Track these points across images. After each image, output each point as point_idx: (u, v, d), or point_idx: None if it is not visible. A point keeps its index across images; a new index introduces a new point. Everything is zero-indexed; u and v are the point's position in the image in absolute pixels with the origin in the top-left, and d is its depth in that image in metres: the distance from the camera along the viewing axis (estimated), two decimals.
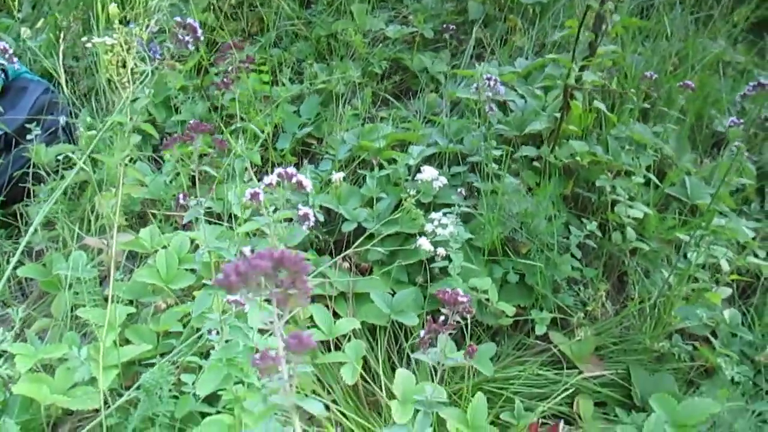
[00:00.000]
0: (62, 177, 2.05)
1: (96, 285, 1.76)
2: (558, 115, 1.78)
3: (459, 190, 1.63)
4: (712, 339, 1.82)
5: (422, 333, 0.93)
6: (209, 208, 1.94)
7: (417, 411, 1.07)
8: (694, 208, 2.04)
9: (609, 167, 1.88)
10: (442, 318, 0.95)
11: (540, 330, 1.76)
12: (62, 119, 2.27)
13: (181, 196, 1.06)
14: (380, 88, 2.45)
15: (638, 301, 1.88)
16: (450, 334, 1.66)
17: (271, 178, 1.13)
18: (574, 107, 1.72)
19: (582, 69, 1.66)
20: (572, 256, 1.78)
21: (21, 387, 1.40)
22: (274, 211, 1.28)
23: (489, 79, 1.65)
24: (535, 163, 1.90)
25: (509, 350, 1.81)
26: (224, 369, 1.25)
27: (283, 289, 0.60)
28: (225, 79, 1.41)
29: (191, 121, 1.03)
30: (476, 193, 1.92)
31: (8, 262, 2.02)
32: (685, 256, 1.88)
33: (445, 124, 2.01)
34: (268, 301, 0.63)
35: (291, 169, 1.14)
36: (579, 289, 1.88)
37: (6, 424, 1.35)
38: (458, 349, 1.71)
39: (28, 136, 2.01)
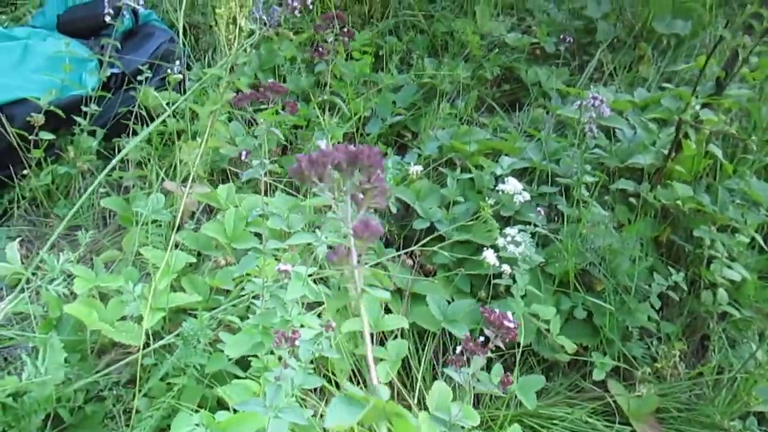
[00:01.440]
0: (163, 122, 2.13)
1: (167, 229, 1.80)
2: (666, 152, 1.64)
3: (539, 209, 1.54)
4: None
5: (458, 349, 0.86)
6: (290, 178, 1.94)
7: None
8: None
9: (713, 220, 1.72)
10: (482, 339, 0.88)
11: (598, 375, 1.63)
12: (176, 68, 2.35)
13: (243, 152, 1.04)
14: (487, 94, 2.37)
15: (716, 371, 1.71)
16: (495, 358, 1.57)
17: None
18: (686, 147, 1.58)
19: (703, 107, 1.51)
20: (651, 305, 1.63)
21: (73, 307, 1.44)
22: None
23: (595, 98, 1.54)
24: (632, 200, 1.76)
25: (560, 389, 1.69)
26: (258, 336, 1.23)
27: (359, 184, 0.59)
28: (320, 48, 1.39)
29: (269, 81, 1.01)
30: (560, 219, 1.80)
31: (98, 192, 2.12)
32: None
33: (543, 140, 1.91)
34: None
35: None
36: (651, 342, 1.73)
37: (52, 339, 1.40)
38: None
39: (139, 77, 2.09)
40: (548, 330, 1.61)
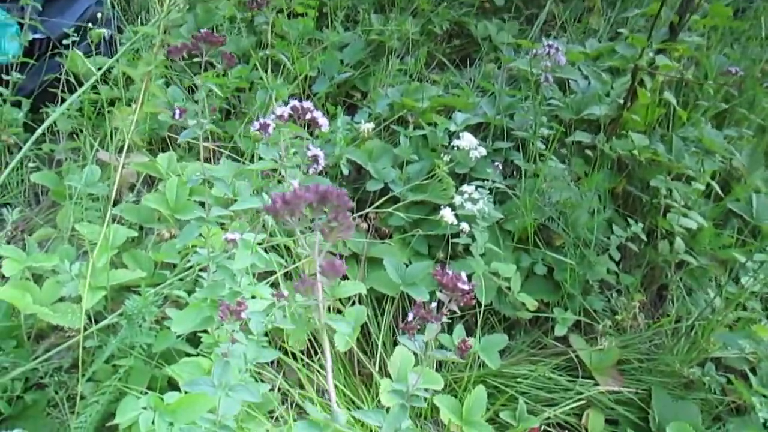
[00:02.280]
0: (94, 88, 1.98)
1: (105, 203, 1.69)
2: (622, 101, 1.60)
3: (496, 163, 1.49)
4: (750, 375, 1.65)
5: (410, 316, 0.80)
6: (234, 143, 1.84)
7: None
8: (756, 229, 1.84)
9: (668, 169, 1.70)
10: (434, 303, 0.82)
11: (560, 330, 1.61)
12: (106, 32, 2.19)
13: (177, 111, 0.94)
14: (437, 50, 2.29)
15: (675, 320, 1.71)
16: (456, 319, 1.52)
17: (283, 110, 1.01)
18: (641, 95, 1.54)
19: (658, 53, 1.48)
20: (610, 257, 1.62)
21: (3, 291, 1.33)
22: (294, 154, 1.17)
23: (550, 46, 1.49)
24: (588, 152, 1.73)
25: (523, 347, 1.67)
26: (206, 310, 1.15)
27: (327, 221, 0.66)
28: (259, 0, 1.29)
29: (202, 30, 0.92)
30: (517, 174, 1.76)
31: (27, 167, 1.98)
32: (737, 280, 1.69)
33: (497, 94, 1.85)
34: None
35: (307, 104, 1.02)
36: (611, 295, 1.72)
37: None
38: (468, 336, 1.58)
39: (65, 41, 1.94)
40: (509, 288, 1.58)
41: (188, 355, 1.34)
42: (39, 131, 1.39)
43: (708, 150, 1.73)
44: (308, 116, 1.00)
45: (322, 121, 1.02)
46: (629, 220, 1.62)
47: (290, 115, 1.01)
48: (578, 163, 1.73)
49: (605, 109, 1.69)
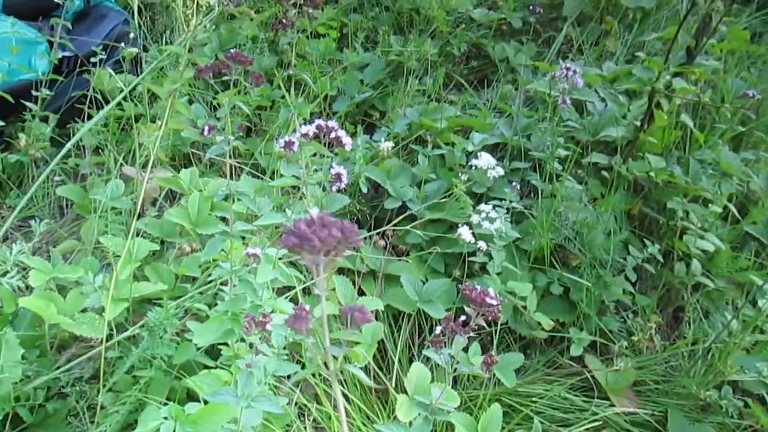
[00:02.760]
0: (118, 104, 2.03)
1: (128, 217, 1.73)
2: (638, 123, 1.62)
3: (513, 183, 1.50)
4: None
5: (438, 329, 0.82)
6: (255, 160, 1.88)
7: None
8: None
9: (685, 191, 1.71)
10: (463, 318, 0.83)
11: (576, 351, 1.61)
12: (132, 50, 2.25)
13: (206, 128, 0.97)
14: (455, 71, 2.33)
15: (691, 342, 1.71)
16: (472, 337, 1.54)
17: (308, 129, 1.04)
18: (658, 117, 1.56)
19: (675, 76, 1.49)
20: (626, 278, 1.62)
21: (29, 301, 1.36)
22: (315, 171, 1.20)
23: (568, 69, 1.51)
24: (604, 173, 1.74)
25: (538, 366, 1.67)
26: (227, 323, 1.18)
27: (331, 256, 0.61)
28: (284, 20, 1.32)
29: (231, 50, 0.95)
30: (534, 194, 1.78)
31: (53, 181, 2.02)
32: (754, 303, 1.69)
33: (514, 115, 1.87)
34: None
35: (332, 123, 1.04)
36: (627, 316, 1.72)
37: (7, 335, 1.32)
38: (483, 353, 1.59)
39: (92, 59, 2.00)
40: (525, 307, 1.58)
41: (207, 367, 1.36)
42: (68, 146, 1.43)
43: (725, 172, 1.74)
44: (332, 135, 1.03)
45: (346, 140, 1.04)
46: (646, 241, 1.63)
47: (315, 134, 1.03)
48: (594, 185, 1.74)
49: (622, 131, 1.70)
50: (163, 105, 1.77)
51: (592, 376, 1.61)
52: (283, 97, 2.01)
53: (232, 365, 1.27)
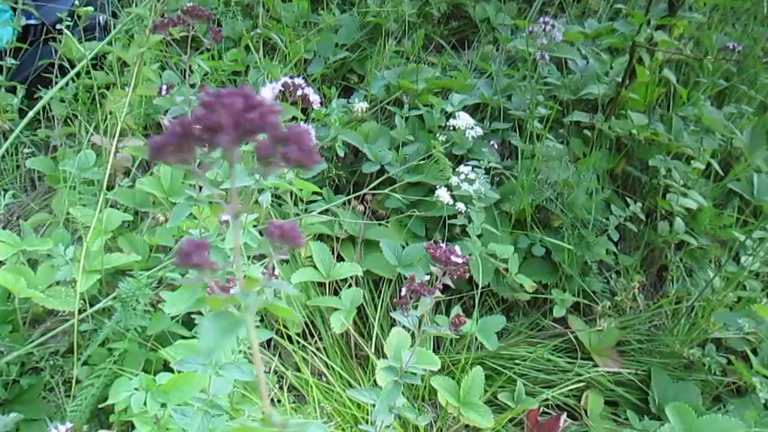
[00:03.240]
0: (88, 73, 1.97)
1: (100, 188, 1.68)
2: (620, 80, 1.58)
3: (491, 142, 1.47)
4: (751, 356, 1.63)
5: (403, 290, 0.79)
6: None
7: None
8: (757, 210, 1.82)
9: (668, 148, 1.68)
10: (426, 277, 0.81)
11: (559, 312, 1.60)
12: (102, 17, 2.17)
13: (164, 87, 0.93)
14: (435, 32, 2.27)
15: (675, 301, 1.70)
16: (451, 300, 1.51)
17: (274, 86, 0.99)
18: (640, 72, 1.52)
19: (657, 29, 1.45)
20: (609, 238, 1.60)
21: None
22: None
23: (546, 23, 1.47)
24: (587, 132, 1.71)
25: (521, 328, 1.66)
26: (200, 291, 1.15)
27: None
28: None
29: (188, 4, 0.90)
30: (515, 156, 1.74)
31: (23, 153, 1.97)
32: (737, 259, 1.68)
33: (494, 74, 1.83)
34: None
35: (298, 80, 1.00)
36: (610, 276, 1.71)
37: None
38: (470, 318, 1.57)
39: (59, 26, 1.92)
40: (507, 269, 1.56)
41: (183, 337, 1.33)
42: (30, 114, 1.38)
43: (708, 129, 1.71)
44: (299, 93, 0.99)
45: (314, 97, 1.01)
46: (628, 200, 1.61)
47: (282, 92, 0.99)
48: (576, 144, 1.71)
49: (604, 88, 1.67)
50: (131, 73, 1.72)
51: (576, 337, 1.60)
52: (257, 61, 1.96)
53: None
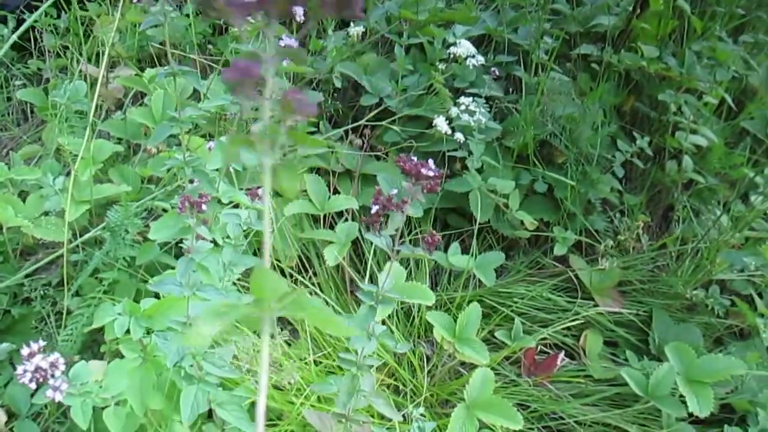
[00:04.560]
0: (80, 3, 1.91)
1: (91, 118, 1.64)
2: (631, 9, 1.50)
3: (492, 69, 1.40)
4: (756, 298, 1.60)
5: (373, 208, 0.75)
6: (226, 59, 1.77)
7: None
8: None
9: (679, 84, 1.61)
10: (394, 191, 0.76)
11: (560, 250, 1.56)
12: None
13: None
14: None
15: (679, 241, 1.66)
16: (450, 236, 1.47)
17: None
18: (653, 1, 1.44)
19: None
20: (614, 174, 1.55)
21: None
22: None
23: None
24: (594, 66, 1.64)
25: (521, 267, 1.62)
26: (183, 219, 1.11)
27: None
28: None
29: None
30: (519, 90, 1.68)
31: (15, 85, 1.92)
32: (745, 199, 1.63)
33: (500, 6, 1.75)
34: None
35: None
36: (614, 215, 1.66)
37: None
38: (463, 254, 1.54)
39: None
40: (507, 205, 1.52)
41: (172, 268, 1.31)
42: (12, 38, 1.33)
43: (722, 63, 1.63)
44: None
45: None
46: (635, 136, 1.55)
47: None
48: (584, 78, 1.64)
49: (614, 19, 1.59)
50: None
51: (576, 276, 1.57)
52: None
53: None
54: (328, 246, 1.36)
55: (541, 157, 1.60)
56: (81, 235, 1.37)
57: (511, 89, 1.73)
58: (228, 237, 0.97)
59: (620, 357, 1.59)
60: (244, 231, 0.98)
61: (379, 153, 1.66)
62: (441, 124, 1.30)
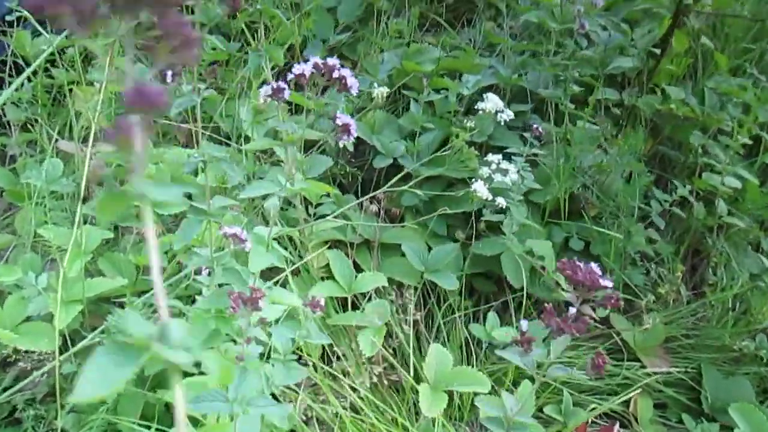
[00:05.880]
0: (46, 71, 1.73)
1: (71, 202, 1.46)
2: (656, 50, 1.42)
3: (534, 125, 1.29)
4: None
5: (523, 324, 0.61)
6: (215, 124, 1.62)
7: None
8: None
9: (704, 125, 1.54)
10: (572, 309, 0.62)
11: (602, 312, 1.43)
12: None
13: (169, 73, 0.73)
14: (429, 10, 2.09)
15: (719, 289, 1.56)
16: (476, 305, 1.34)
17: (304, 68, 0.80)
18: (678, 40, 1.37)
19: None
20: (651, 226, 1.45)
21: None
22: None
23: None
24: (615, 110, 1.55)
25: None
26: (212, 322, 0.95)
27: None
28: None
29: None
30: (538, 141, 1.58)
31: None
32: None
33: (505, 52, 1.66)
34: None
35: (333, 60, 0.81)
36: (650, 266, 1.56)
37: None
38: (501, 324, 1.40)
39: (8, 18, 1.68)
40: (543, 267, 1.40)
41: (187, 374, 1.13)
42: None
43: (743, 100, 1.57)
44: (335, 75, 0.80)
45: (352, 81, 0.82)
46: (674, 182, 1.45)
47: (312, 75, 0.80)
48: (605, 123, 1.55)
49: (633, 60, 1.51)
50: (101, 66, 1.49)
51: (622, 340, 1.45)
52: (240, 49, 1.75)
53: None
54: (362, 332, 1.20)
55: (571, 211, 1.49)
56: (72, 340, 1.18)
57: (527, 139, 1.62)
58: (276, 351, 0.81)
59: (671, 419, 1.48)
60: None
61: (394, 217, 1.53)
62: (480, 188, 1.17)
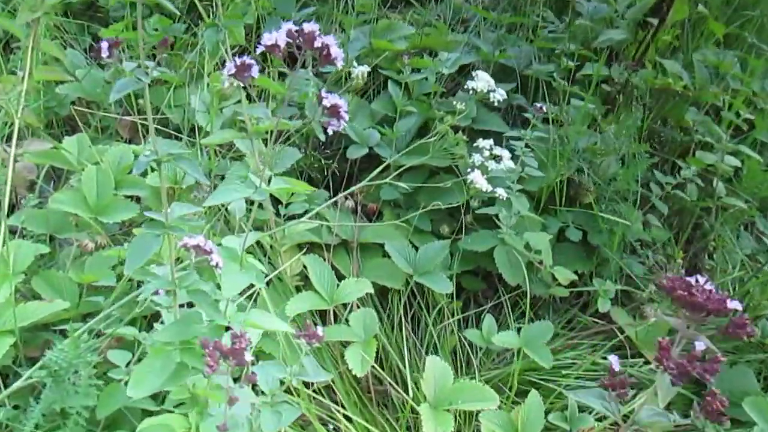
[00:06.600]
0: None
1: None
2: (652, 21, 1.30)
3: (539, 105, 1.14)
4: None
5: (614, 363, 0.48)
6: (163, 115, 1.43)
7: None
8: None
9: (696, 99, 1.43)
10: (702, 345, 0.49)
11: (604, 306, 1.33)
12: None
13: (104, 44, 0.56)
14: None
15: (718, 273, 1.47)
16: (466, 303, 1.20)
17: (276, 37, 0.64)
18: (679, 9, 1.25)
19: None
20: (652, 211, 1.34)
21: None
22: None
23: None
24: (604, 86, 1.43)
25: (558, 329, 1.38)
26: (176, 356, 0.77)
27: None
28: None
29: None
30: (525, 123, 1.45)
31: None
32: None
33: (480, 27, 1.52)
34: None
35: (311, 26, 0.65)
36: (647, 254, 1.45)
37: None
38: (498, 326, 1.27)
39: None
40: (540, 262, 1.27)
41: (147, 413, 0.95)
42: None
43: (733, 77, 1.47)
44: (317, 43, 0.64)
45: (336, 51, 0.66)
46: (678, 163, 1.35)
47: (288, 45, 0.64)
48: (596, 102, 1.43)
49: (623, 33, 1.39)
50: (24, 50, 1.28)
51: (626, 337, 1.34)
52: (187, 30, 1.56)
53: (186, 409, 0.87)
54: (350, 348, 1.05)
55: (558, 199, 1.36)
56: (5, 381, 0.99)
57: (510, 121, 1.49)
58: (263, 392, 0.65)
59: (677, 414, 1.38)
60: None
61: (371, 213, 1.38)
62: (478, 179, 1.03)
